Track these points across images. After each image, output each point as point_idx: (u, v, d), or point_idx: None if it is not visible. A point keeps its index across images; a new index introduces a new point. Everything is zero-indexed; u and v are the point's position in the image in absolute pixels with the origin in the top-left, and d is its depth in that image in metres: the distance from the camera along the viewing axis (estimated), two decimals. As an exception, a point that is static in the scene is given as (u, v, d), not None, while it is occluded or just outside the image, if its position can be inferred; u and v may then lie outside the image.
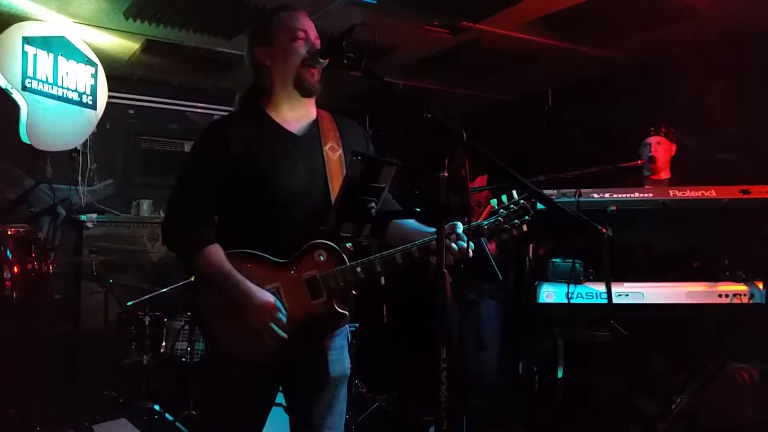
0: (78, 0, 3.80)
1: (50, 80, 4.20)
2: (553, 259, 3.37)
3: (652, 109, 4.40)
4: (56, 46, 4.21)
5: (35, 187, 4.43)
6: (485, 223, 2.01)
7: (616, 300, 3.12)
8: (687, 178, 3.63)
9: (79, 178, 4.93)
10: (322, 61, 1.98)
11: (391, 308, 5.42)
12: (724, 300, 3.16)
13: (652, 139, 3.86)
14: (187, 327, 4.00)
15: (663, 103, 4.34)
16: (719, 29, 4.07)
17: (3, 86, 3.96)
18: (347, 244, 1.96)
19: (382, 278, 5.52)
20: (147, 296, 4.10)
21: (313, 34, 2.02)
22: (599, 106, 4.82)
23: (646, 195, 3.30)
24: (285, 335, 1.88)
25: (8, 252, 3.52)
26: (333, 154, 2.02)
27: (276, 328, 1.87)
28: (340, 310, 1.96)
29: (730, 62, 4.07)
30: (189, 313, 3.90)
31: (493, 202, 1.99)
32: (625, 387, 3.83)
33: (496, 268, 3.42)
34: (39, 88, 4.14)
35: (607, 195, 3.27)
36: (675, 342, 3.45)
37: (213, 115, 5.40)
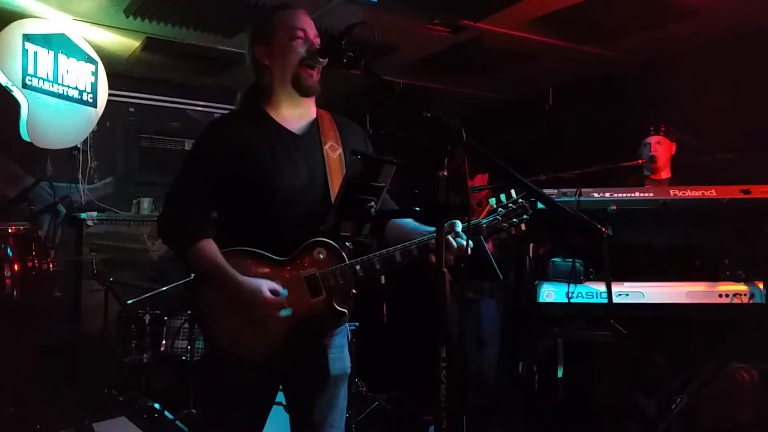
0: (78, -2, 3.81)
1: (50, 78, 4.20)
2: (554, 259, 3.38)
3: (652, 108, 4.40)
4: (57, 43, 4.21)
5: (35, 185, 4.44)
6: (484, 221, 2.00)
7: (616, 299, 3.12)
8: (687, 177, 3.63)
9: (80, 176, 4.93)
10: (321, 60, 1.98)
11: (391, 307, 5.42)
12: (724, 300, 3.16)
13: (652, 139, 3.86)
14: (187, 325, 4.00)
15: (663, 103, 4.34)
16: (719, 29, 4.06)
17: (3, 84, 3.95)
18: (346, 243, 1.95)
19: (383, 277, 5.53)
20: (147, 294, 4.10)
21: (312, 32, 2.02)
22: (600, 105, 4.82)
23: (646, 194, 3.30)
24: (289, 309, 1.89)
25: (8, 250, 3.52)
26: (333, 153, 2.02)
27: (275, 312, 1.88)
28: (339, 308, 1.96)
29: (730, 62, 4.07)
30: (189, 312, 3.91)
31: (492, 201, 1.99)
32: (625, 386, 3.83)
33: (497, 268, 3.43)
34: (39, 86, 4.14)
35: (607, 194, 3.27)
36: (675, 342, 3.45)
37: (213, 113, 5.40)
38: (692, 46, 4.26)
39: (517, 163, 1.72)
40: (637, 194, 3.30)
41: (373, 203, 1.81)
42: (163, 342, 4.07)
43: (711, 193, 3.21)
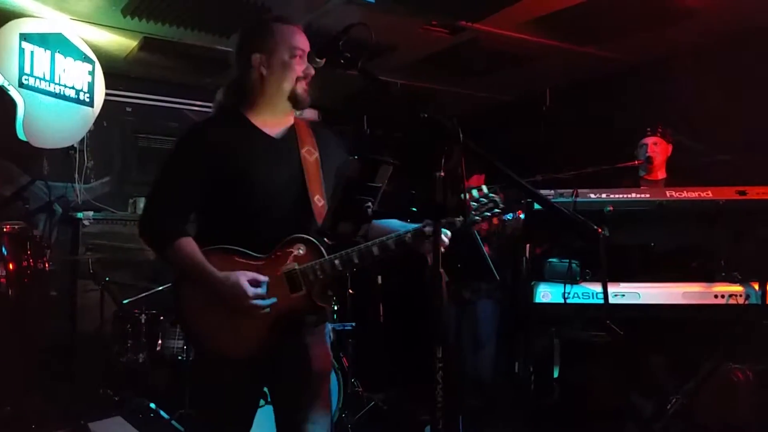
0: (75, -3, 3.81)
1: (47, 77, 4.20)
2: (550, 259, 3.38)
3: (649, 109, 4.41)
4: (53, 43, 4.21)
5: (31, 184, 4.42)
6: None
7: (612, 300, 3.13)
8: (683, 178, 3.64)
9: (76, 175, 4.92)
10: (318, 60, 1.99)
11: (388, 307, 5.43)
12: (720, 300, 3.17)
13: (649, 140, 3.87)
14: (183, 325, 3.99)
15: (660, 104, 4.35)
16: (717, 30, 4.08)
17: (0, 83, 3.95)
18: (325, 239, 2.00)
19: (379, 277, 5.54)
20: (143, 294, 4.10)
21: (307, 51, 2.09)
22: (597, 106, 4.83)
23: (643, 195, 3.31)
24: (271, 300, 1.94)
25: (3, 249, 3.51)
26: (310, 156, 2.09)
27: (256, 302, 1.92)
28: (319, 303, 2.00)
29: (728, 63, 4.08)
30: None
31: (471, 193, 2.02)
32: (621, 387, 3.83)
33: (493, 268, 3.43)
34: (36, 85, 4.13)
35: (604, 195, 3.27)
36: (671, 342, 3.46)
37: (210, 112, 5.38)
38: (689, 47, 4.27)
39: (514, 163, 1.72)
40: (633, 195, 3.30)
41: (370, 204, 1.82)
42: (159, 342, 4.05)
43: (707, 194, 3.22)
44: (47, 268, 3.72)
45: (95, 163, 5.08)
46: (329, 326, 2.21)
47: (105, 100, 4.61)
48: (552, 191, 3.25)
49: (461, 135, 1.56)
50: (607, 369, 4.03)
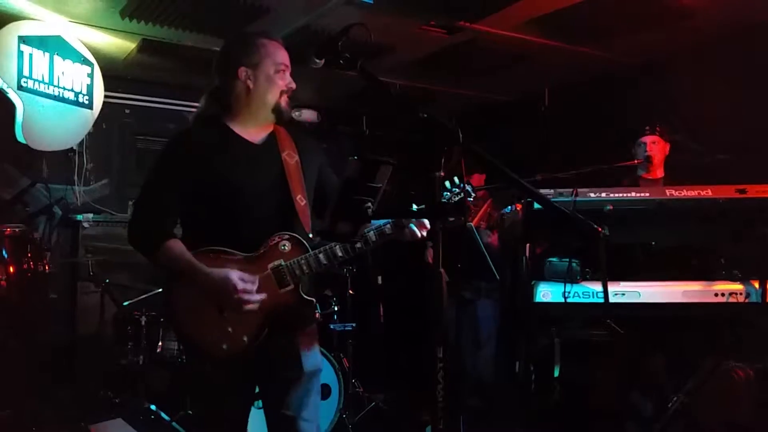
0: (74, -1, 3.80)
1: (46, 80, 4.20)
2: (550, 259, 3.38)
3: (648, 108, 4.41)
4: (52, 45, 4.21)
5: (31, 186, 4.43)
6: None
7: (612, 299, 3.13)
8: (682, 177, 3.64)
9: (75, 177, 4.92)
10: (317, 61, 2.00)
11: (388, 308, 5.43)
12: (720, 299, 3.17)
13: (647, 138, 3.87)
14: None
15: (660, 103, 4.35)
16: (715, 29, 4.08)
17: (-2, 85, 3.95)
18: (309, 234, 2.13)
19: (379, 278, 5.54)
20: (143, 296, 4.10)
21: (290, 66, 2.21)
22: (596, 105, 4.83)
23: (642, 194, 3.31)
24: (261, 295, 2.01)
25: (4, 252, 3.51)
26: (291, 159, 2.18)
27: (246, 296, 1.98)
28: (306, 297, 2.10)
29: (727, 61, 4.09)
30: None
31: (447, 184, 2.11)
32: (621, 386, 3.83)
33: (493, 268, 3.43)
34: (35, 88, 4.13)
35: (603, 194, 3.27)
36: (671, 341, 3.46)
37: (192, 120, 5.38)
38: (689, 46, 4.28)
39: (513, 163, 1.72)
40: (633, 194, 3.30)
41: (370, 204, 1.82)
42: (160, 344, 4.05)
43: (707, 192, 3.22)
44: (47, 271, 3.72)
45: (94, 165, 5.08)
46: (315, 325, 2.28)
47: (104, 102, 4.61)
48: (551, 191, 3.25)
49: (461, 135, 1.57)
50: (608, 368, 4.03)
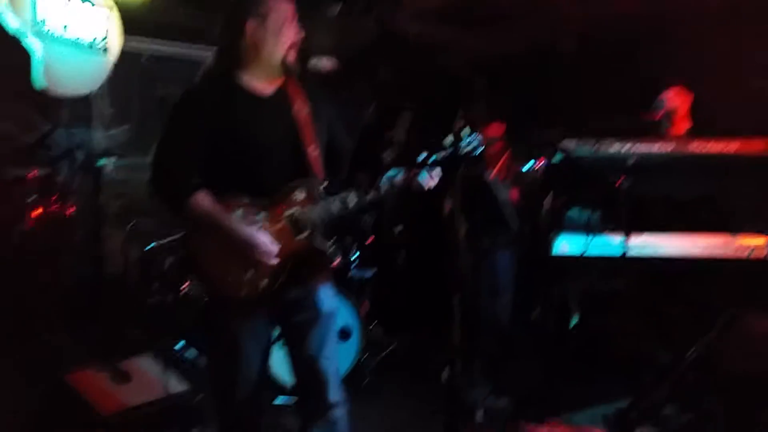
0: (91, -60, 3.73)
1: (62, 25, 4.16)
2: (570, 210, 3.36)
3: (675, 57, 4.28)
4: (69, -12, 4.15)
5: (52, 131, 4.45)
6: (434, 157, 2.18)
7: (632, 252, 3.11)
8: (708, 128, 3.55)
9: (97, 123, 4.93)
10: (334, 8, 1.99)
11: (408, 255, 5.47)
12: (741, 253, 3.14)
13: (668, 93, 3.79)
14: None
15: (687, 54, 4.22)
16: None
17: (16, 29, 3.92)
18: (323, 183, 2.19)
19: (399, 225, 5.57)
20: (167, 240, 4.16)
21: (296, 18, 2.22)
22: (622, 55, 4.68)
23: (666, 147, 3.25)
24: (276, 260, 2.08)
25: (31, 195, 3.57)
26: (301, 111, 2.21)
27: (265, 258, 2.07)
28: (321, 244, 2.18)
29: (756, 11, 3.92)
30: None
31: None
32: (639, 337, 3.86)
33: (512, 220, 3.42)
34: (52, 32, 4.10)
35: (627, 146, 3.22)
36: (691, 294, 3.45)
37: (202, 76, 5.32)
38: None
39: (536, 113, 1.69)
40: (656, 147, 3.24)
41: (388, 151, 1.83)
42: (185, 284, 4.14)
43: (733, 146, 3.15)
44: (72, 214, 3.78)
45: (115, 110, 5.08)
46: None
47: (123, 47, 4.58)
48: (574, 142, 3.20)
49: (481, 84, 1.54)
50: (625, 320, 4.05)
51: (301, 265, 2.17)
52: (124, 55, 4.64)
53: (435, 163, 2.18)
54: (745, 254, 3.13)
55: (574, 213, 3.34)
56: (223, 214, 2.08)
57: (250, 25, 2.16)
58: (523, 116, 1.59)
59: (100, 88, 4.77)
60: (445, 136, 2.03)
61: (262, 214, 2.13)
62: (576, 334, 4.21)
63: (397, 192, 2.21)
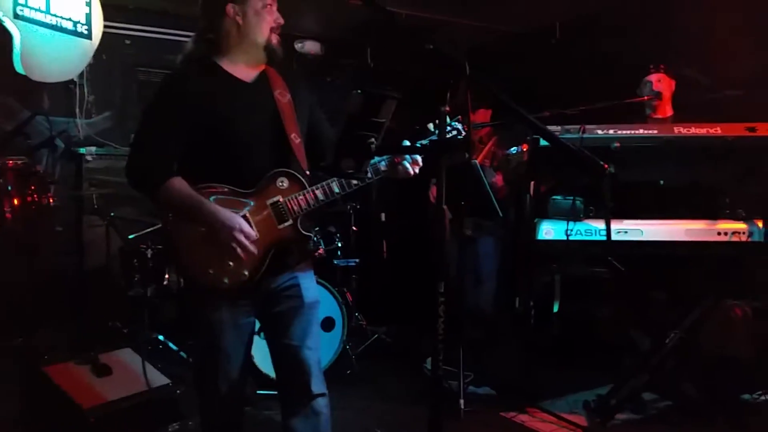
0: None
1: (43, 8, 4.08)
2: (554, 197, 3.37)
3: (657, 44, 4.30)
4: (48, -28, 4.07)
5: (32, 118, 4.37)
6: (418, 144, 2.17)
7: (615, 237, 3.13)
8: (691, 114, 3.58)
9: (77, 110, 4.86)
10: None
11: (391, 244, 5.47)
12: (722, 238, 3.17)
13: (653, 77, 3.82)
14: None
15: (669, 38, 4.24)
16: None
17: (-6, 14, 3.85)
18: (306, 171, 2.18)
19: (383, 215, 5.57)
20: (148, 229, 4.12)
21: (276, 5, 2.20)
22: (606, 41, 4.70)
23: (650, 131, 3.26)
24: (254, 249, 2.05)
25: (8, 185, 3.51)
26: (283, 98, 2.20)
27: (245, 241, 2.03)
28: (304, 233, 2.15)
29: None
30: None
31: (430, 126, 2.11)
32: (621, 322, 3.90)
33: (496, 205, 3.43)
34: (32, 17, 4.02)
35: (611, 131, 3.23)
36: (672, 278, 3.49)
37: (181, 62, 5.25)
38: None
39: (521, 98, 1.68)
40: (641, 131, 3.25)
41: (374, 140, 1.80)
42: (166, 276, 4.11)
43: (716, 130, 3.17)
44: (52, 203, 3.72)
45: (96, 97, 5.00)
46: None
47: (104, 33, 4.50)
48: (559, 127, 3.20)
49: (468, 68, 1.53)
50: (608, 305, 4.09)
51: (285, 254, 2.15)
52: (105, 41, 4.57)
53: (418, 150, 2.17)
54: (725, 239, 3.15)
55: (558, 199, 3.35)
56: (200, 199, 2.05)
57: (231, 9, 2.14)
58: (508, 101, 1.58)
59: (80, 74, 4.69)
60: (431, 122, 2.01)
61: (248, 202, 2.09)
62: (558, 320, 4.25)
63: (381, 179, 2.19)
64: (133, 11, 5.06)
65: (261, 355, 3.21)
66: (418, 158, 2.17)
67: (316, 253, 4.05)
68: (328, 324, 4.06)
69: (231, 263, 2.06)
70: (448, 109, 1.58)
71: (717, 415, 3.30)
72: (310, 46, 4.81)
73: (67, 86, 4.68)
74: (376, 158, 2.14)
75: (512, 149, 3.65)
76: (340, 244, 4.52)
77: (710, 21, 3.91)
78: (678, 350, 3.37)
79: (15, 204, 3.49)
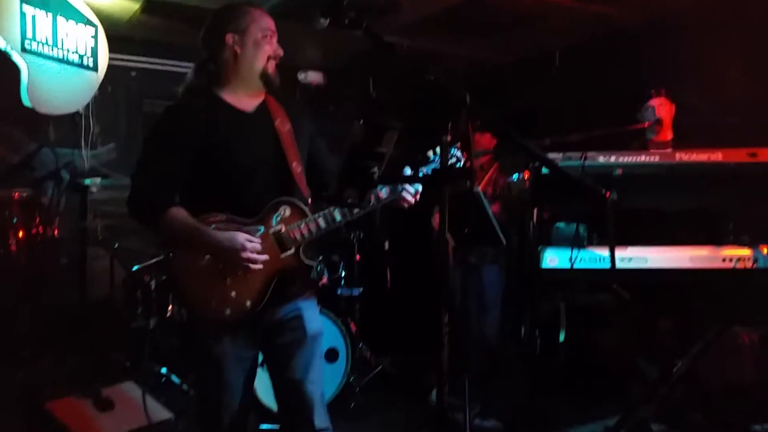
0: (76, -41, 3.74)
1: (50, 42, 4.14)
2: (557, 224, 3.36)
3: (658, 71, 4.34)
4: (55, 6, 4.14)
5: (38, 150, 4.41)
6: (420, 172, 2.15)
7: (619, 264, 3.11)
8: (692, 140, 3.59)
9: (82, 141, 4.90)
10: (323, 21, 1.97)
11: (395, 273, 5.45)
12: (727, 264, 3.15)
13: (655, 102, 3.83)
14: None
15: (669, 65, 4.28)
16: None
17: (2, 48, 3.90)
18: (308, 200, 2.19)
19: (386, 243, 5.55)
20: (152, 261, 4.12)
21: (276, 33, 2.23)
22: (606, 68, 4.74)
23: (652, 158, 3.27)
24: (265, 256, 2.05)
25: (13, 217, 3.52)
26: (283, 127, 2.21)
27: (253, 255, 2.03)
28: (307, 261, 2.14)
29: (736, 22, 3.99)
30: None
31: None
32: (627, 351, 3.85)
33: (500, 233, 3.42)
34: (39, 50, 4.08)
35: (612, 158, 3.24)
36: (678, 306, 3.46)
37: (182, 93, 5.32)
38: (698, 5, 4.17)
39: (522, 126, 1.69)
40: (642, 158, 3.26)
41: (375, 169, 1.81)
42: (169, 307, 4.09)
43: (717, 156, 3.18)
44: (56, 235, 3.73)
45: (101, 128, 5.05)
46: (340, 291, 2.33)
47: (109, 65, 4.56)
48: (560, 154, 3.21)
49: (468, 98, 1.54)
50: (614, 333, 4.05)
51: (287, 284, 2.13)
52: (110, 73, 4.63)
53: (419, 179, 2.16)
54: (730, 266, 3.14)
55: (561, 226, 3.34)
56: (201, 227, 2.05)
57: (230, 38, 2.16)
58: (510, 129, 1.59)
59: (86, 106, 4.74)
60: (432, 149, 2.02)
61: (256, 228, 2.09)
62: (564, 349, 4.20)
63: (383, 208, 2.19)
64: (139, 43, 5.14)
65: (263, 387, 3.18)
66: (419, 188, 2.18)
67: (320, 283, 4.03)
68: (331, 355, 4.02)
69: (233, 294, 2.05)
70: (449, 138, 1.59)
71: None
72: (313, 76, 4.85)
73: (72, 118, 4.73)
74: (379, 186, 2.14)
75: (514, 176, 3.66)
76: (343, 273, 4.50)
77: (710, 46, 3.94)
78: (685, 379, 3.33)
79: (20, 236, 3.50)
